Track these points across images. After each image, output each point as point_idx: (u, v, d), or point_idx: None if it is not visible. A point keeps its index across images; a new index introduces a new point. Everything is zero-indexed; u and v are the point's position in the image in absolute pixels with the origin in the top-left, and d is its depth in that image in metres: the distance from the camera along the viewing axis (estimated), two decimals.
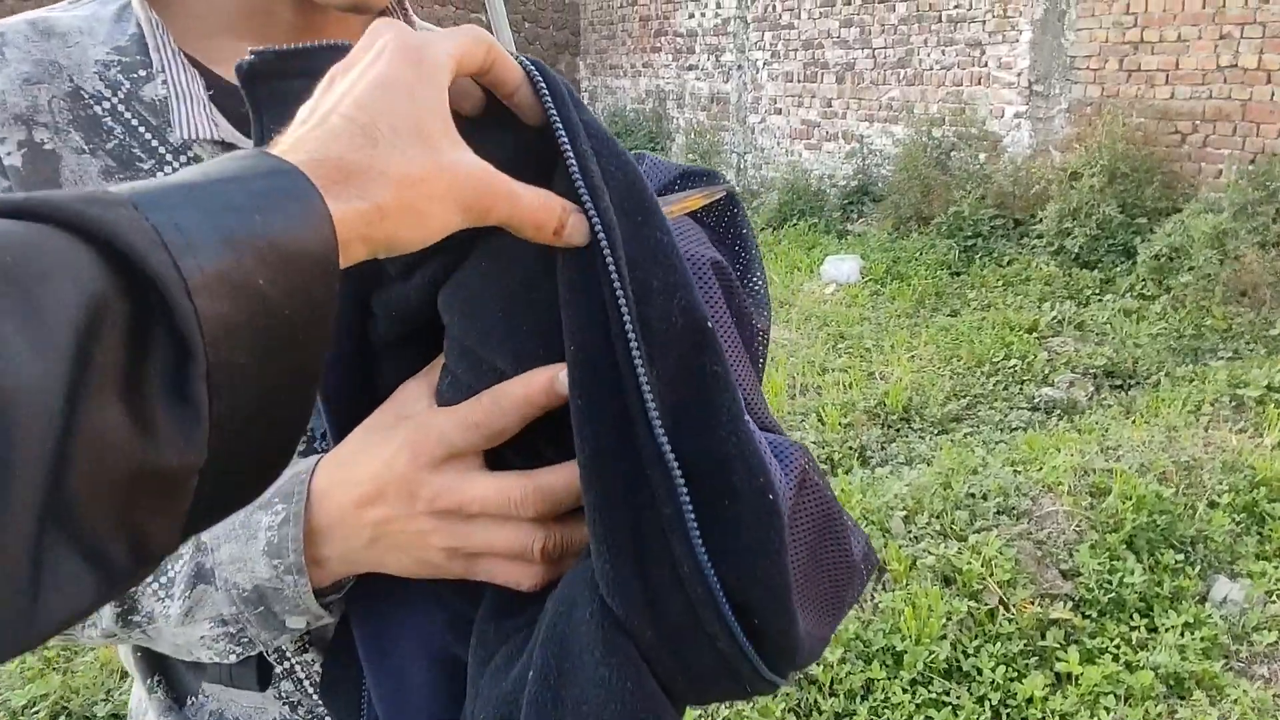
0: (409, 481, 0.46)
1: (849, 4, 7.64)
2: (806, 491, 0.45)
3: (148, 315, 0.27)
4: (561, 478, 0.45)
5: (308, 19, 0.60)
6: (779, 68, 8.38)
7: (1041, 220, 5.81)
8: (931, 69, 7.08)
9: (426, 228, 0.36)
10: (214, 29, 0.59)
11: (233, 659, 0.52)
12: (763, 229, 7.55)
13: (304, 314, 0.30)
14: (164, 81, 0.56)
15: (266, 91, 0.44)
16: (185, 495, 0.28)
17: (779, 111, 8.45)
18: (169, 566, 0.51)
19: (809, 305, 5.51)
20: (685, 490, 0.39)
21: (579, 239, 0.40)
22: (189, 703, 0.62)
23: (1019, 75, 6.50)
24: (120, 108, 0.55)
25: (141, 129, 0.55)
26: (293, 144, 0.34)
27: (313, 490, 0.49)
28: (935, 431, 3.83)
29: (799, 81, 8.21)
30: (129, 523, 0.27)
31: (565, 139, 0.41)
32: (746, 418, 0.41)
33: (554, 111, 0.42)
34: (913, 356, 4.54)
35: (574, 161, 0.41)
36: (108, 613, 0.51)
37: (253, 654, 0.53)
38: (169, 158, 0.55)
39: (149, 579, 0.51)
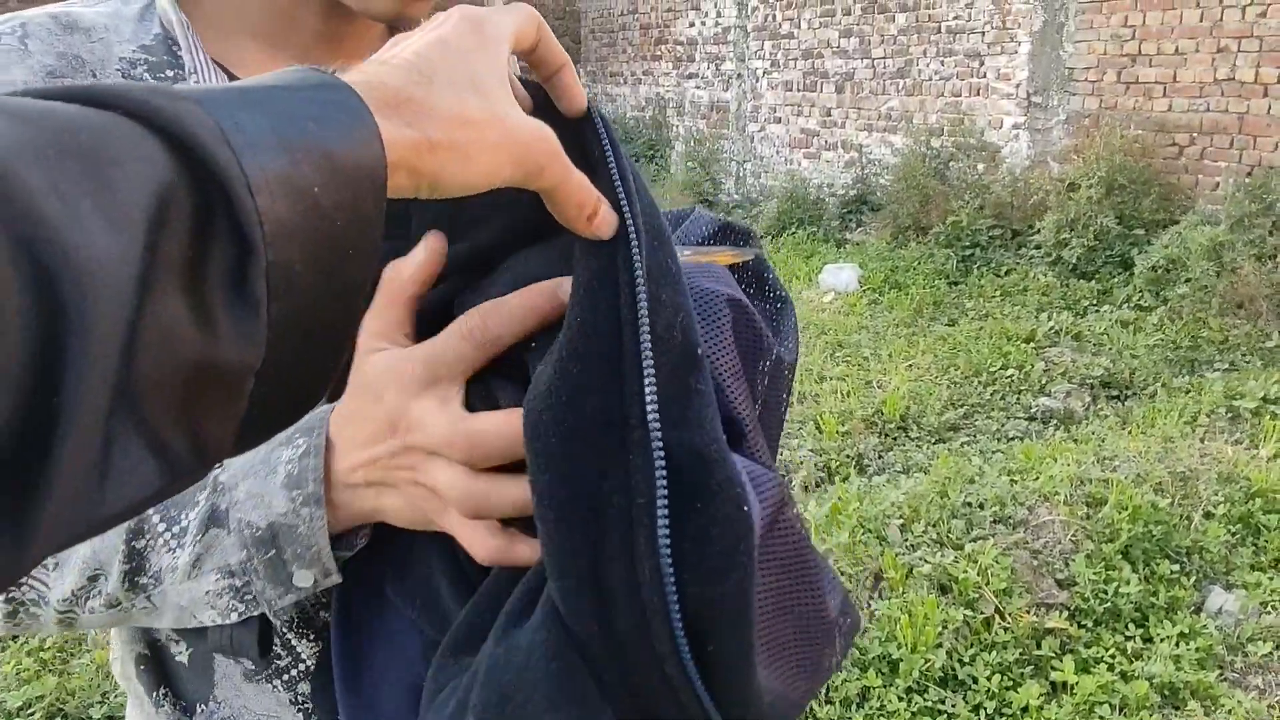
0: (393, 412, 0.45)
1: (849, 14, 7.68)
2: (779, 530, 0.43)
3: (210, 210, 0.26)
4: (492, 424, 0.44)
5: (332, 26, 0.60)
6: (779, 77, 8.41)
7: (1039, 231, 5.83)
8: (930, 79, 7.12)
9: (474, 171, 0.36)
10: (236, 32, 0.59)
11: (234, 617, 0.51)
12: (761, 238, 7.56)
13: (354, 227, 0.30)
14: (196, 84, 0.56)
15: None
16: (242, 396, 0.28)
17: (778, 120, 8.48)
18: (183, 516, 0.50)
19: (807, 314, 5.52)
20: (665, 480, 0.37)
21: (606, 231, 0.41)
22: (199, 710, 0.61)
23: (1017, 86, 6.54)
24: None
25: None
26: (346, 74, 0.34)
27: (329, 432, 0.49)
28: (932, 440, 3.83)
29: (798, 91, 8.24)
30: (189, 418, 0.27)
31: (607, 139, 0.43)
32: (724, 438, 0.40)
33: (596, 112, 0.43)
34: (910, 365, 4.56)
35: (614, 161, 0.42)
36: (115, 574, 0.51)
37: (255, 615, 0.52)
38: None
39: (163, 529, 0.51)
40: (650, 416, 0.38)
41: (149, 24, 0.57)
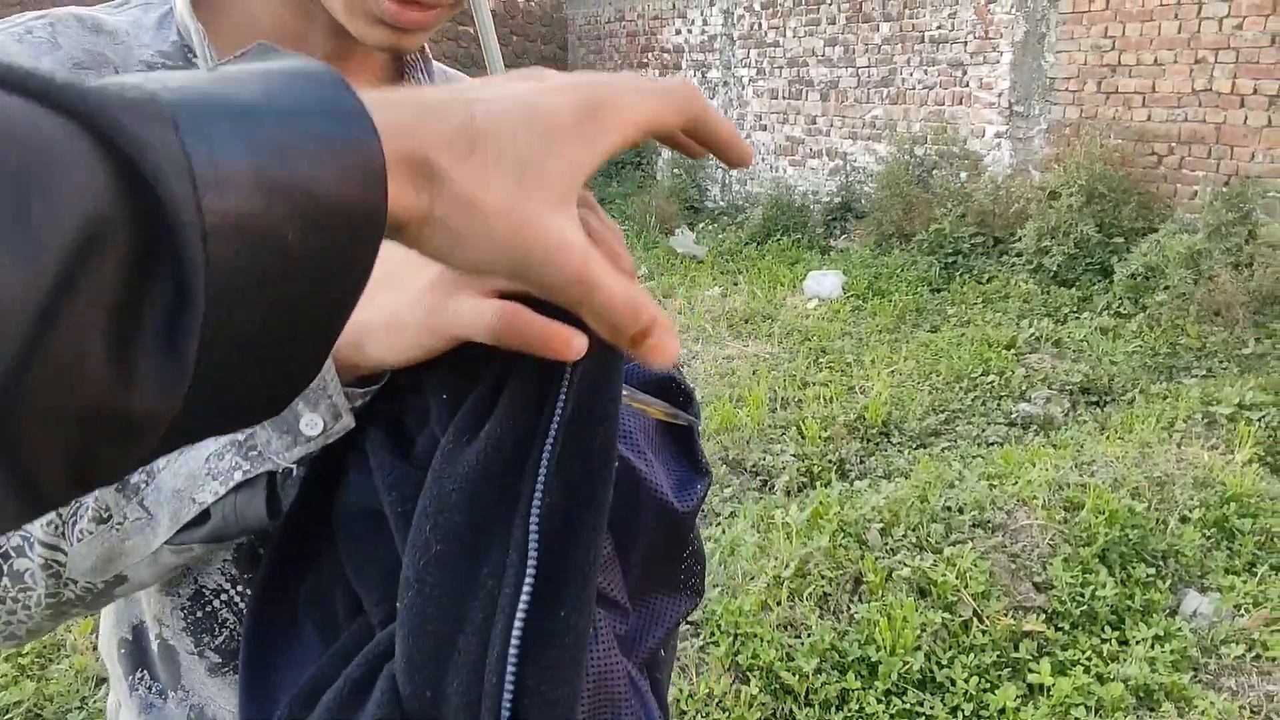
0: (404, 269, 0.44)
1: (833, 23, 7.74)
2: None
3: (155, 250, 0.24)
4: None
5: (339, 46, 0.63)
6: (764, 85, 8.46)
7: (1021, 238, 5.89)
8: (914, 88, 7.18)
9: (460, 257, 0.33)
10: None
11: (238, 477, 0.48)
12: (747, 244, 7.61)
13: (334, 277, 0.28)
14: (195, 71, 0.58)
15: None
16: (146, 442, 0.26)
17: (764, 128, 8.53)
18: None
19: (791, 320, 5.55)
20: (532, 585, 0.41)
21: (661, 357, 0.38)
22: (170, 696, 0.63)
23: (999, 96, 6.60)
24: None
25: None
26: (392, 102, 0.31)
27: None
28: (913, 445, 3.86)
29: (784, 99, 8.30)
30: (77, 454, 0.25)
31: None
32: (599, 559, 0.44)
33: None
34: (893, 371, 4.59)
35: None
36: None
37: (261, 472, 0.49)
38: None
39: None
40: (533, 524, 0.41)
41: (167, 32, 0.60)
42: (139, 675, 0.64)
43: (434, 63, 0.71)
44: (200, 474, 0.48)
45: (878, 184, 7.04)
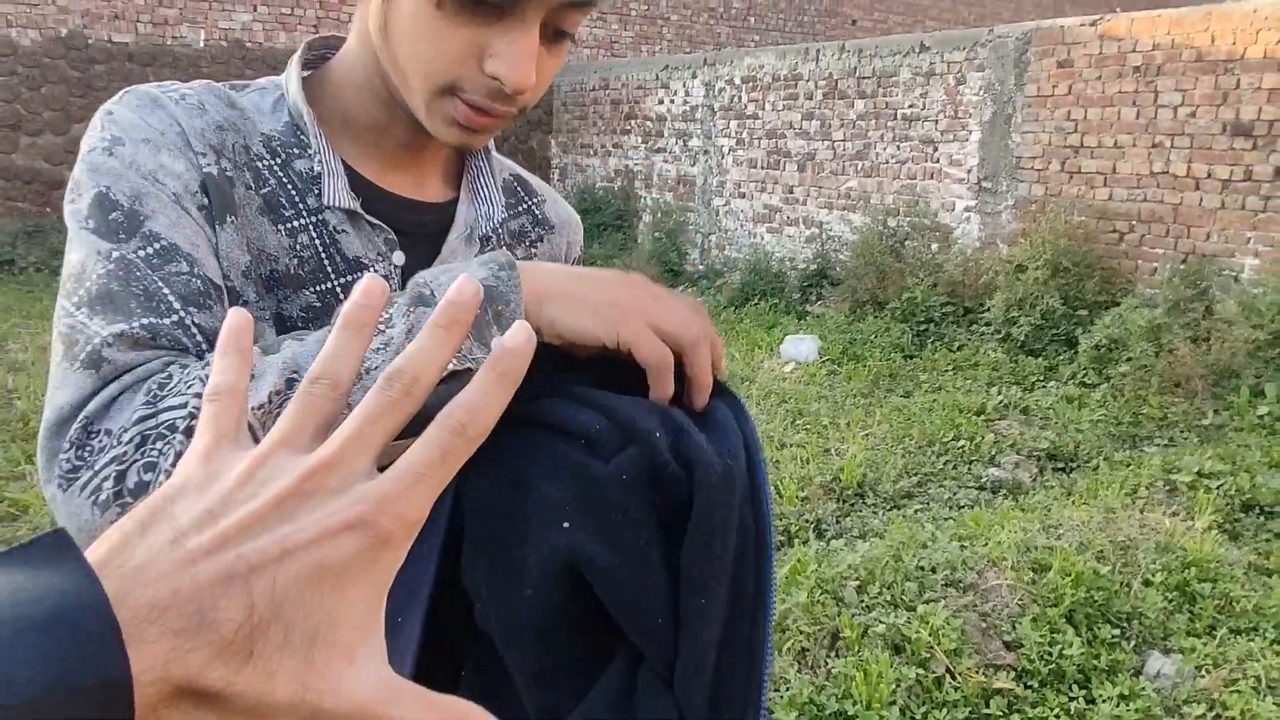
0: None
1: (810, 98, 8.05)
2: None
3: None
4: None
5: (415, 138, 0.73)
6: (743, 154, 8.73)
7: (989, 309, 6.09)
8: (887, 163, 7.46)
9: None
10: (342, 132, 0.73)
11: (450, 366, 0.47)
12: (725, 308, 7.78)
13: None
14: (320, 161, 0.70)
15: None
16: None
17: (743, 195, 8.78)
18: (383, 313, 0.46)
19: (768, 383, 5.67)
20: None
21: None
22: None
23: (969, 172, 6.88)
24: (276, 169, 0.69)
25: (290, 188, 0.69)
26: (164, 621, 0.27)
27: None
28: (888, 507, 3.96)
29: (762, 168, 8.57)
30: None
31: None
32: None
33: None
34: (867, 435, 4.70)
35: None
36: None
37: (464, 369, 0.50)
38: (305, 215, 0.69)
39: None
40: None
41: (280, 114, 0.72)
42: None
43: (493, 154, 0.81)
44: None
45: (852, 253, 7.26)
